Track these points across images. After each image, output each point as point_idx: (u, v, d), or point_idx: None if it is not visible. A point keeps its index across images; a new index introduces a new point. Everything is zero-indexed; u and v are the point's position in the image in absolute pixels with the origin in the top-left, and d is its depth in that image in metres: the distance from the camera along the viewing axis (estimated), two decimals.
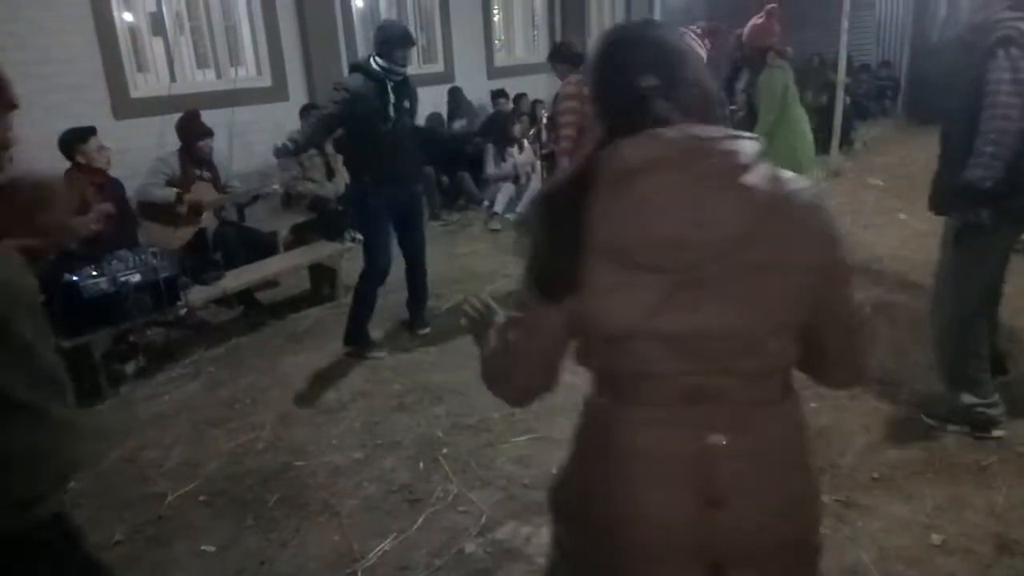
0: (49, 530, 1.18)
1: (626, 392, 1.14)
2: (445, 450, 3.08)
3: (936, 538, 2.38)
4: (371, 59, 3.86)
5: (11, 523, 1.10)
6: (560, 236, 1.07)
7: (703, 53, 4.20)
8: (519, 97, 8.10)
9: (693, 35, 4.27)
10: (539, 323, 1.15)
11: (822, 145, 7.80)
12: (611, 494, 1.15)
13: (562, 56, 4.86)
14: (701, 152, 1.03)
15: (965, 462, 2.76)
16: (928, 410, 3.06)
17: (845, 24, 6.98)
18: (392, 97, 3.88)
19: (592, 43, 1.34)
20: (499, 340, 1.22)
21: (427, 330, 4.37)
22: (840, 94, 7.26)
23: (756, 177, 1.03)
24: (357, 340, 4.07)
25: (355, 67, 3.96)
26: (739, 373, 1.10)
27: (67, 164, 4.12)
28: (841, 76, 7.25)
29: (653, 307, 1.05)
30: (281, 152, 4.05)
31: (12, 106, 1.07)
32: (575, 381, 3.69)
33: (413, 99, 4.03)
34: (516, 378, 1.24)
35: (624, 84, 1.09)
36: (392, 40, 3.83)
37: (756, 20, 4.45)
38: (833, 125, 7.37)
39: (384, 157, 3.89)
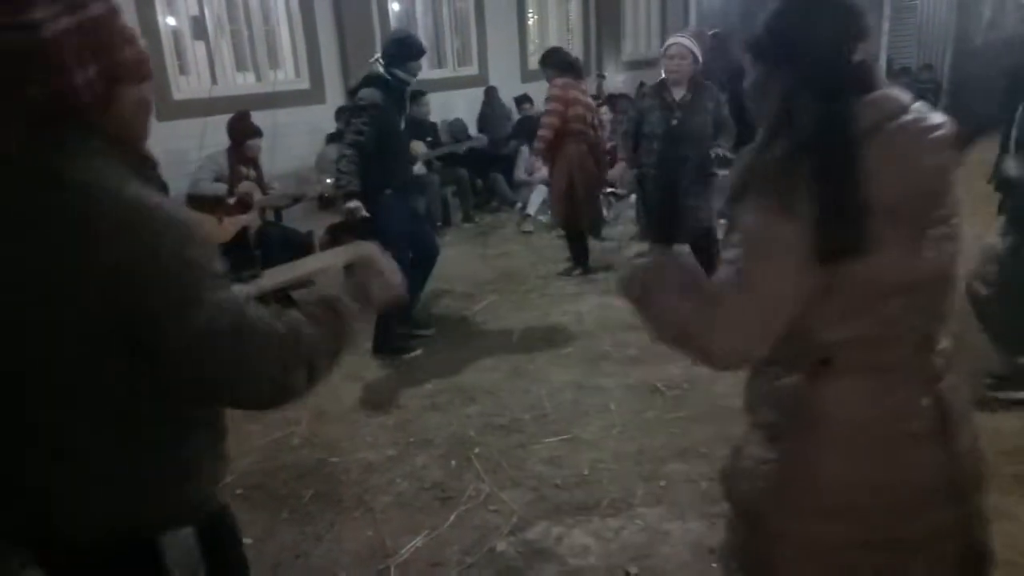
0: (219, 520, 1.22)
1: (855, 360, 1.14)
2: (477, 449, 3.10)
3: None
4: (385, 70, 3.85)
5: (188, 520, 1.13)
6: (844, 195, 1.05)
7: (699, 57, 4.21)
8: None
9: (690, 39, 4.29)
10: (789, 289, 1.09)
11: None
12: (861, 468, 1.15)
13: (553, 62, 4.97)
14: (921, 116, 1.12)
15: (1006, 472, 2.70)
16: (993, 385, 3.13)
17: (885, 27, 6.90)
18: (404, 107, 3.97)
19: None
20: (702, 294, 1.16)
21: (431, 331, 4.36)
22: None
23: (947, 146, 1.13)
24: (383, 347, 4.10)
25: (370, 80, 3.89)
26: (943, 318, 1.18)
27: None
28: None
29: (909, 256, 1.09)
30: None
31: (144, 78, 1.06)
32: (606, 384, 3.70)
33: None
34: (739, 342, 1.14)
35: (844, 48, 1.13)
36: (411, 51, 3.87)
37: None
38: None
39: (400, 166, 3.97)
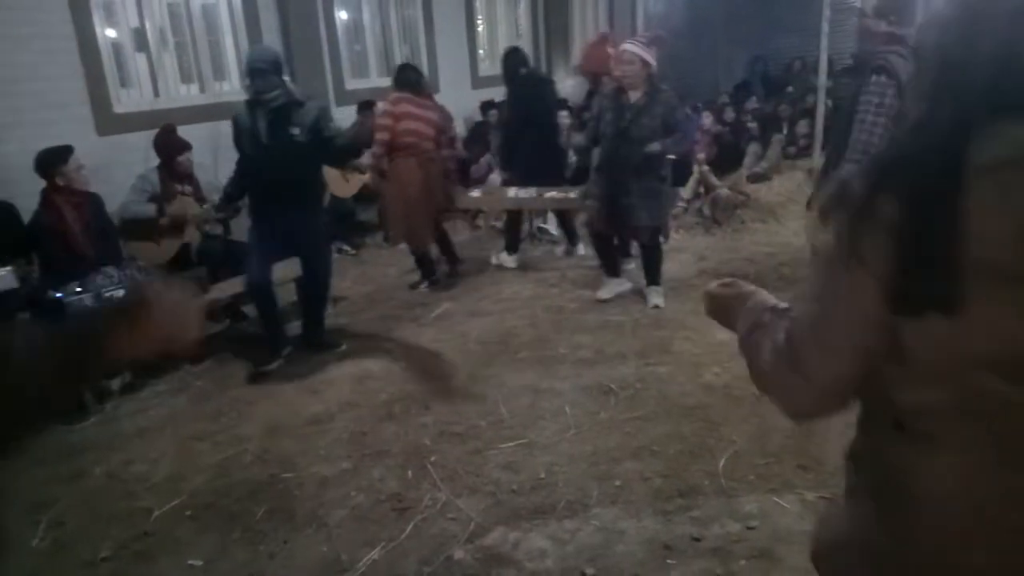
0: None
1: (937, 431, 0.94)
2: (433, 458, 3.09)
3: None
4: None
5: None
6: (934, 243, 0.86)
7: (652, 61, 4.28)
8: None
9: (639, 43, 4.37)
10: (857, 338, 0.94)
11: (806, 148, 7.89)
12: (933, 547, 0.96)
13: (395, 78, 5.14)
14: None
15: None
16: None
17: (825, 28, 7.06)
18: (264, 123, 3.79)
19: None
20: (786, 346, 1.01)
21: (343, 347, 4.29)
22: (821, 97, 7.32)
23: None
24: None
25: None
26: None
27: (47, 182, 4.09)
28: (822, 80, 7.31)
29: (1016, 327, 0.86)
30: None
31: None
32: (561, 387, 3.69)
33: (308, 123, 3.83)
34: (806, 390, 1.01)
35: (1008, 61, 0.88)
36: (245, 70, 3.89)
37: (589, 43, 4.59)
38: (815, 128, 7.44)
39: (258, 184, 3.93)
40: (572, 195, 5.23)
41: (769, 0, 10.28)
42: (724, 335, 4.20)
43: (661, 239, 4.74)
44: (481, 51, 9.26)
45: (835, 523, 1.13)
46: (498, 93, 8.44)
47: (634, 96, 4.35)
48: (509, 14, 9.76)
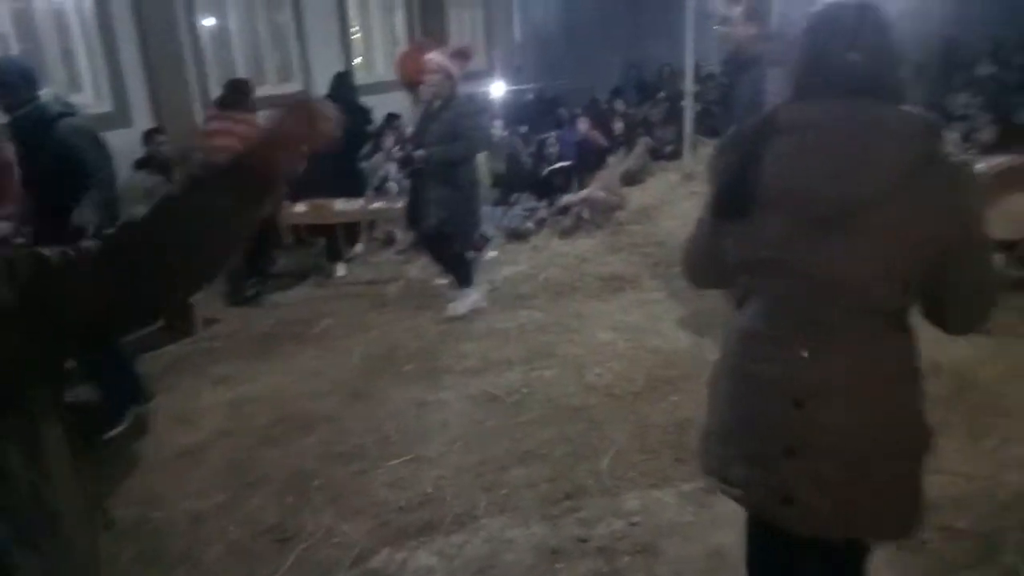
0: None
1: (747, 306, 1.46)
2: (317, 482, 2.98)
3: None
4: None
5: None
6: (741, 167, 1.37)
7: (456, 73, 4.40)
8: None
9: (444, 53, 4.51)
10: (708, 236, 1.49)
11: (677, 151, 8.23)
12: (724, 381, 1.51)
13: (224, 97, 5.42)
14: (853, 121, 1.30)
15: None
16: None
17: (690, 35, 7.38)
18: (15, 142, 3.26)
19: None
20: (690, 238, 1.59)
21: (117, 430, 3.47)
22: (689, 102, 7.65)
23: (900, 149, 1.28)
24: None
25: None
26: (847, 310, 1.35)
27: None
28: (689, 85, 7.65)
29: (785, 241, 1.34)
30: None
31: None
32: (447, 398, 3.66)
33: (52, 144, 3.25)
34: (689, 265, 1.63)
35: (835, 55, 1.33)
36: None
37: (404, 52, 4.85)
38: (684, 131, 7.77)
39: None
40: (399, 205, 5.47)
41: (640, 8, 10.67)
42: (606, 336, 4.32)
43: (468, 249, 4.90)
44: (358, 59, 9.09)
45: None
46: (378, 102, 8.36)
47: (436, 103, 4.50)
48: (385, 21, 9.64)
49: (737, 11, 3.39)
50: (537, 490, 2.82)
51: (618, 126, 8.41)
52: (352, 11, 8.93)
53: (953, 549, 2.31)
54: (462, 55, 4.68)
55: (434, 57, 4.50)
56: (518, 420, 3.35)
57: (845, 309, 1.34)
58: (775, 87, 3.03)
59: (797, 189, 1.31)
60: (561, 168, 7.41)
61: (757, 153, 1.34)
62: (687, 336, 4.11)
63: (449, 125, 4.40)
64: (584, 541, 2.51)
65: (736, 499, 1.52)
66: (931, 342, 3.76)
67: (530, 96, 10.18)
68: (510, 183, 7.22)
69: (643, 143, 8.15)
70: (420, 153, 4.45)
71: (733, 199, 1.38)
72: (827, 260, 1.31)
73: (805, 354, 1.35)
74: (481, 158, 5.88)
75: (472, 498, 2.79)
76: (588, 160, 7.57)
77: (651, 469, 2.89)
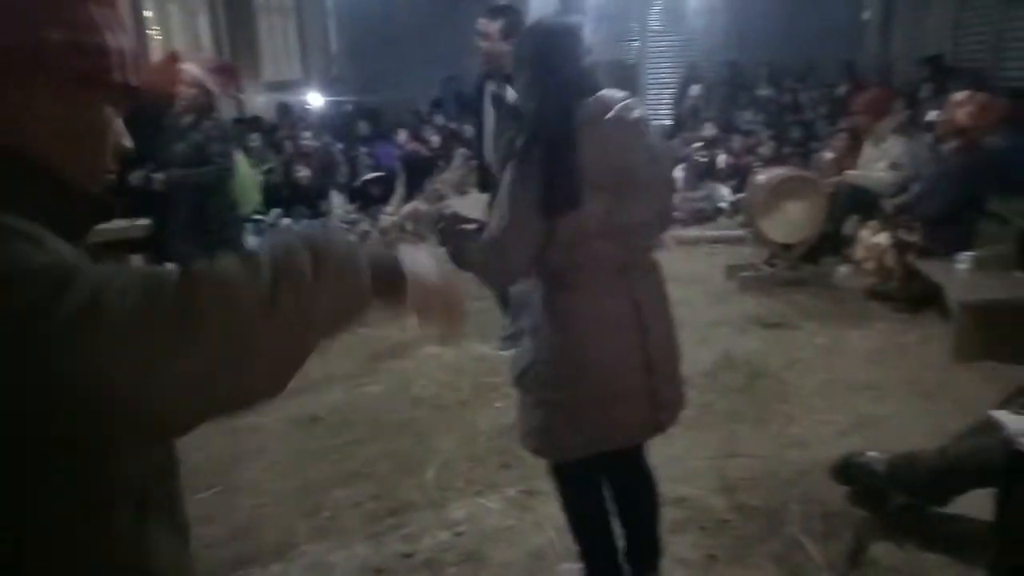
0: None
1: (579, 278, 1.73)
2: None
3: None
4: None
5: None
6: (564, 166, 1.59)
7: (215, 90, 4.17)
8: None
9: (202, 68, 4.23)
10: (533, 230, 1.64)
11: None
12: (586, 348, 1.75)
13: None
14: (626, 109, 1.68)
15: None
16: None
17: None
18: None
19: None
20: (492, 243, 1.70)
21: None
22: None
23: (646, 127, 1.74)
24: None
25: None
26: (643, 250, 1.81)
27: None
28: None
29: (608, 212, 1.65)
30: None
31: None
32: (263, 422, 3.46)
33: None
34: (511, 266, 1.74)
35: (577, 60, 1.69)
36: None
37: (155, 62, 4.60)
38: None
39: None
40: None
41: (460, 21, 10.83)
42: (432, 348, 4.28)
43: None
44: None
45: (525, 353, 1.83)
46: None
47: (187, 119, 4.10)
48: (187, 27, 9.05)
49: (494, 28, 3.50)
50: (361, 509, 2.74)
51: (435, 139, 8.45)
52: (147, 11, 8.30)
53: (748, 525, 2.53)
54: (224, 71, 4.34)
55: (190, 69, 4.10)
56: (342, 440, 3.24)
57: (643, 251, 1.81)
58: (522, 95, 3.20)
59: (617, 166, 1.65)
60: (377, 178, 7.35)
61: (572, 146, 1.60)
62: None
63: (197, 147, 4.02)
64: (409, 556, 2.47)
65: (607, 446, 1.86)
66: (726, 337, 4.07)
67: (349, 107, 10.00)
68: (319, 190, 7.09)
69: (460, 155, 8.25)
70: (160, 176, 4.02)
71: (568, 190, 1.60)
72: (636, 214, 1.70)
73: (639, 294, 1.77)
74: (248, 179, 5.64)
75: (291, 525, 2.66)
76: (415, 172, 7.55)
77: (477, 477, 2.91)
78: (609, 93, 1.69)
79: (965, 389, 3.37)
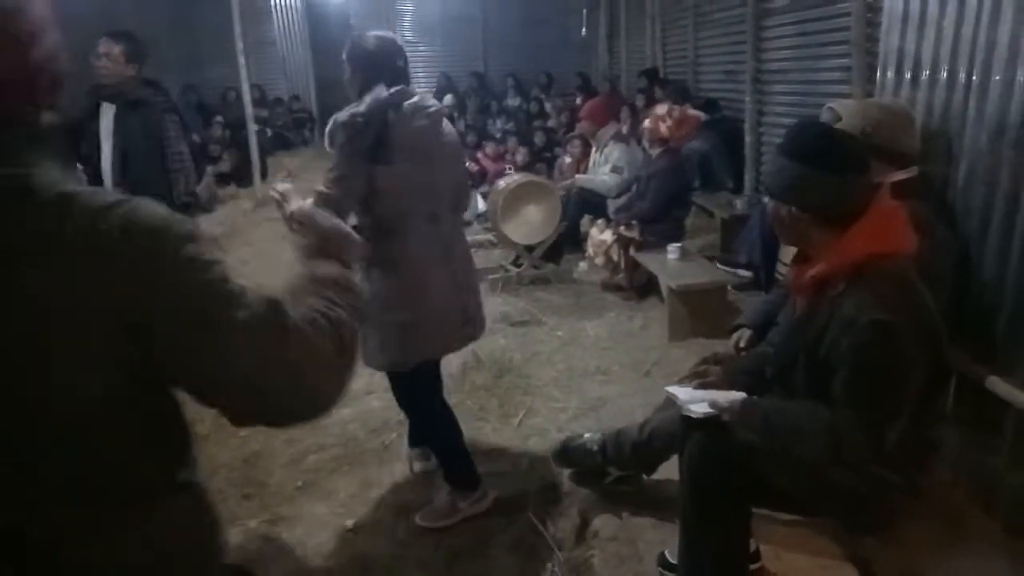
0: None
1: (400, 225, 2.28)
2: None
3: (349, 523, 2.63)
4: None
5: None
6: (382, 136, 2.19)
7: None
8: None
9: None
10: (360, 176, 2.19)
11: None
12: (411, 280, 2.32)
13: None
14: (424, 100, 2.35)
15: (372, 447, 3.13)
16: None
17: (242, 60, 7.27)
18: None
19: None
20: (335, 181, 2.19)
21: None
22: (251, 127, 7.54)
23: (440, 117, 2.44)
24: None
25: None
26: (447, 206, 2.42)
27: None
28: (248, 110, 7.54)
29: (413, 172, 2.25)
30: None
31: None
32: None
33: None
34: (343, 205, 2.16)
35: (393, 59, 2.35)
36: None
37: None
38: (252, 157, 7.63)
39: None
40: None
41: (197, 31, 10.16)
42: None
43: None
44: None
45: (370, 296, 2.23)
46: None
47: None
48: None
49: (117, 50, 3.42)
50: None
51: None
52: None
53: (489, 517, 2.64)
54: None
55: None
56: None
57: (447, 207, 2.42)
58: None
59: (417, 138, 2.26)
60: None
61: (387, 122, 2.20)
62: None
63: None
64: None
65: (435, 354, 2.54)
66: (477, 340, 4.14)
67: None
68: None
69: (209, 171, 7.77)
70: None
71: (385, 150, 2.17)
72: (435, 177, 2.33)
73: (446, 238, 2.42)
74: None
75: None
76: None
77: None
78: (412, 89, 2.35)
79: (677, 365, 3.80)
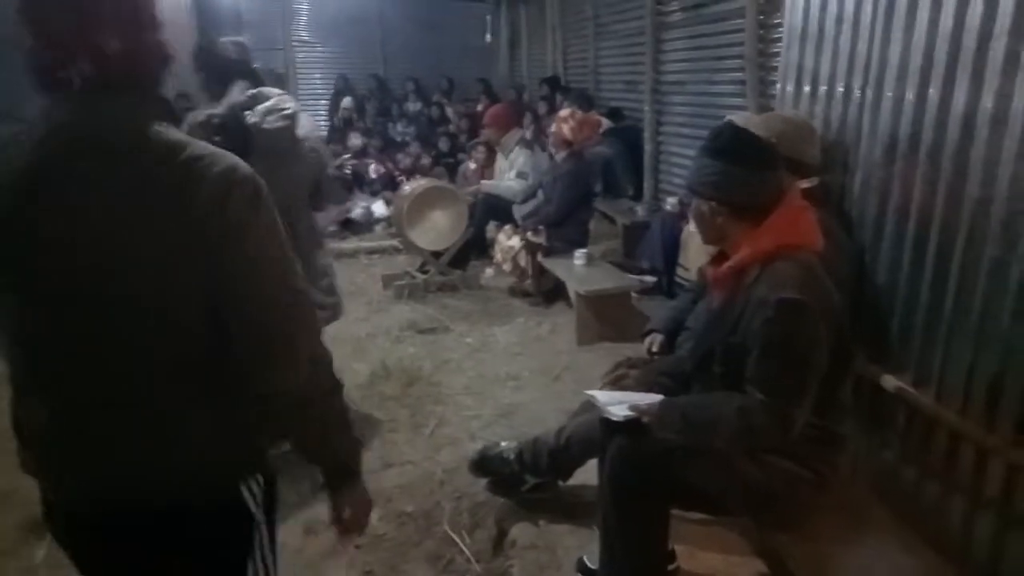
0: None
1: None
2: None
3: None
4: None
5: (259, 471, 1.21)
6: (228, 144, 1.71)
7: None
8: None
9: None
10: None
11: None
12: None
13: None
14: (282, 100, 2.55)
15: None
16: None
17: None
18: None
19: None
20: None
21: None
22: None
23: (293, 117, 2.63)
24: None
25: None
26: (304, 204, 2.85)
27: None
28: None
29: (277, 175, 1.88)
30: None
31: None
32: None
33: None
34: None
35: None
36: None
37: None
38: None
39: None
40: None
41: None
42: None
43: None
44: None
45: None
46: None
47: None
48: None
49: None
50: None
51: None
52: None
53: (403, 532, 2.57)
54: None
55: None
56: None
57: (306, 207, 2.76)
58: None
59: (289, 145, 2.54)
60: None
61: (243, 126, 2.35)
62: None
63: None
64: None
65: None
66: (383, 347, 4.10)
67: None
68: None
69: None
70: None
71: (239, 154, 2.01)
72: (299, 182, 2.72)
73: None
74: None
75: None
76: None
77: None
78: (268, 90, 2.44)
79: (586, 369, 3.85)
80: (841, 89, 2.40)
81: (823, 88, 2.50)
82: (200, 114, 2.19)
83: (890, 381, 2.19)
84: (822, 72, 2.50)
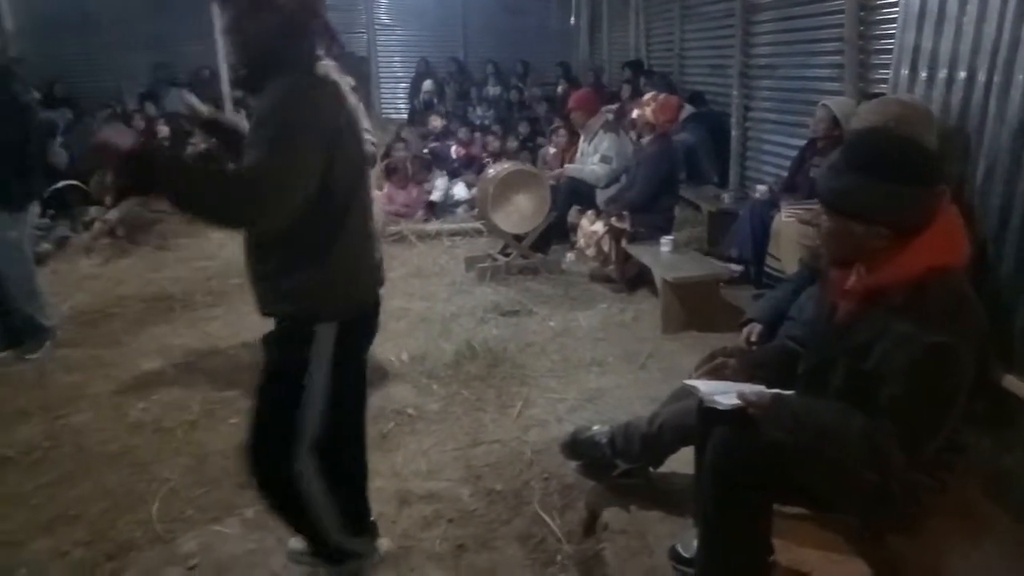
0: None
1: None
2: None
3: None
4: None
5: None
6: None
7: None
8: None
9: None
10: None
11: None
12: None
13: None
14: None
15: (370, 436, 3.06)
16: None
17: (220, 39, 7.05)
18: None
19: None
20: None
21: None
22: (228, 106, 7.34)
23: None
24: None
25: None
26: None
27: None
28: (226, 88, 7.35)
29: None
30: None
31: None
32: None
33: None
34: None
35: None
36: None
37: None
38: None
39: None
40: None
41: (169, 8, 9.83)
42: (153, 364, 3.90)
43: None
44: None
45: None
46: None
47: None
48: None
49: None
50: (69, 559, 2.37)
51: (163, 130, 7.55)
52: None
53: (493, 509, 2.61)
54: None
55: None
56: (39, 482, 2.78)
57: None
58: None
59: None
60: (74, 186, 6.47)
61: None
62: (248, 351, 3.88)
63: None
64: None
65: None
66: (467, 328, 4.13)
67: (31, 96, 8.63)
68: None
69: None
70: None
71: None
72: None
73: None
74: None
75: None
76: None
77: (210, 503, 2.66)
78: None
79: (671, 358, 3.81)
80: (963, 74, 2.29)
81: (943, 73, 2.38)
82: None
83: (1013, 383, 2.09)
84: (941, 55, 2.39)
